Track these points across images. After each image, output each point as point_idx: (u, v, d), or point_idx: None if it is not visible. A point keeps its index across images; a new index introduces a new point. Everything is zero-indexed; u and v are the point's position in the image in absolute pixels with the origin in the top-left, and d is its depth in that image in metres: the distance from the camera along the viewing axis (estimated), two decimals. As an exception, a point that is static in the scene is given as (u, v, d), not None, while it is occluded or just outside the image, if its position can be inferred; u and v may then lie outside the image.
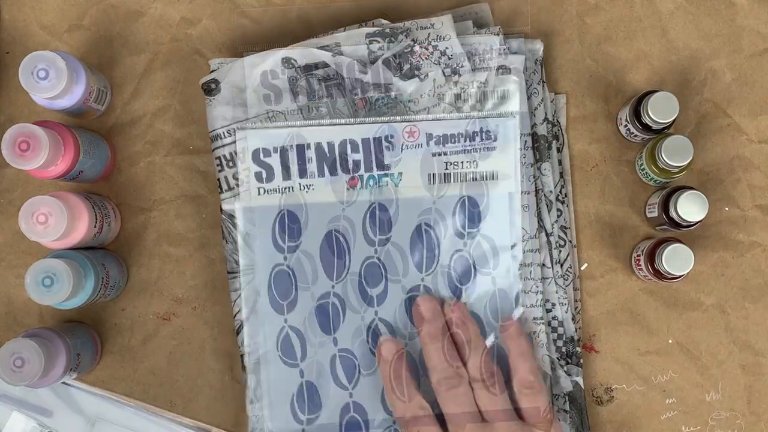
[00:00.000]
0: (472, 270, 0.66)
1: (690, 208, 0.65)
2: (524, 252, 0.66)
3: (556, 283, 0.67)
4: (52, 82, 0.61)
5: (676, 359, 0.70)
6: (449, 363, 0.62)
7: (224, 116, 0.67)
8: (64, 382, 0.69)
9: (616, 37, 0.71)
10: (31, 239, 0.61)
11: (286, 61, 0.66)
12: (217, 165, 0.67)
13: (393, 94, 0.66)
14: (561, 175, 0.69)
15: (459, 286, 0.66)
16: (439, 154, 0.66)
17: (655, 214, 0.68)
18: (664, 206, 0.66)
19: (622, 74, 0.71)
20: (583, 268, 0.70)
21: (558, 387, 0.67)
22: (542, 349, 0.67)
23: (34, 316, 0.70)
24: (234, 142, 0.67)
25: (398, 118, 0.66)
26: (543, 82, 0.69)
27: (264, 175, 0.66)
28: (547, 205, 0.68)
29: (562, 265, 0.68)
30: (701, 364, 0.70)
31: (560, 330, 0.68)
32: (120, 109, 0.71)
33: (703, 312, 0.70)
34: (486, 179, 0.66)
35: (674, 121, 0.66)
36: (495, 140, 0.66)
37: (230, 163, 0.67)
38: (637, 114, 0.66)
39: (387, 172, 0.66)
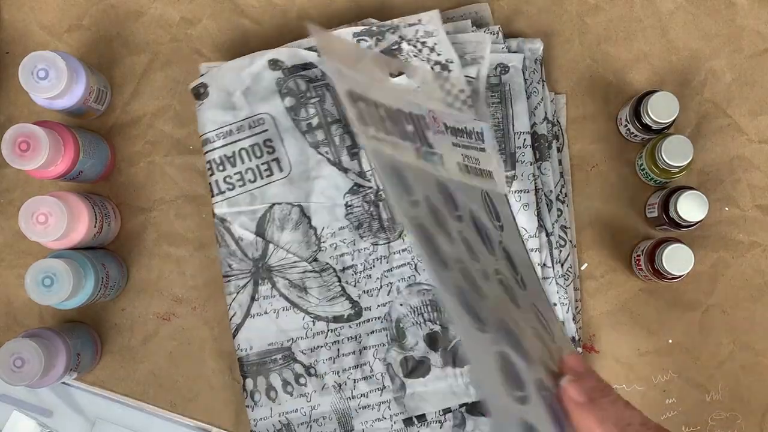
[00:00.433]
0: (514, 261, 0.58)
1: (690, 208, 0.65)
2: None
3: (557, 283, 0.67)
4: (52, 82, 0.61)
5: (676, 359, 0.69)
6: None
7: (214, 120, 0.67)
8: (64, 382, 0.69)
9: (616, 37, 0.71)
10: (31, 239, 0.61)
11: (273, 63, 0.66)
12: (208, 169, 0.67)
13: None
14: (561, 174, 0.69)
15: (515, 275, 0.57)
16: (456, 146, 0.61)
17: (655, 214, 0.68)
18: (664, 206, 0.66)
19: (622, 74, 0.71)
20: (583, 268, 0.70)
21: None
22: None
23: (34, 316, 0.70)
24: (224, 146, 0.67)
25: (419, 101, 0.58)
26: (543, 81, 0.69)
27: (364, 120, 0.53)
28: (548, 205, 0.68)
29: (562, 265, 0.68)
30: (701, 364, 0.69)
31: (561, 330, 0.67)
32: (120, 109, 0.71)
33: (703, 312, 0.70)
34: (486, 178, 0.62)
35: (674, 121, 0.66)
36: (484, 141, 0.63)
37: (221, 167, 0.67)
38: (637, 114, 0.66)
39: (434, 150, 0.58)
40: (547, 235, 0.67)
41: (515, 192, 0.66)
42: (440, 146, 0.59)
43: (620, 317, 0.70)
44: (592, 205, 0.70)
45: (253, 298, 0.67)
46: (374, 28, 0.66)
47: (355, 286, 0.67)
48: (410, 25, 0.66)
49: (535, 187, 0.67)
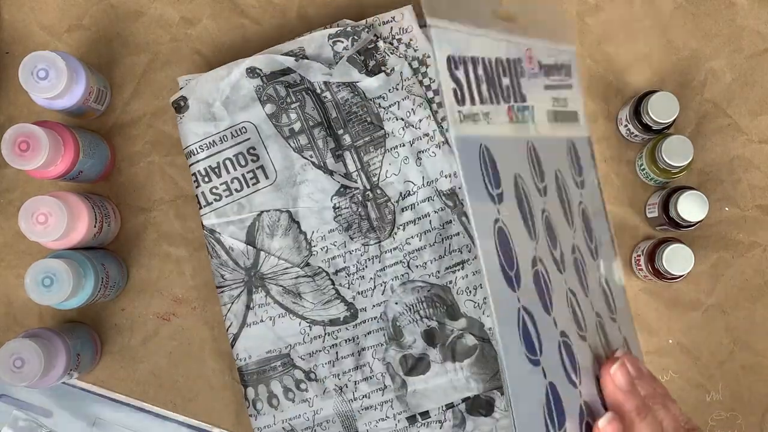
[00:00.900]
0: (592, 225, 0.55)
1: (690, 208, 0.65)
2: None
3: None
4: (52, 82, 0.61)
5: (676, 359, 0.69)
6: None
7: (195, 132, 0.67)
8: (64, 382, 0.69)
9: (616, 37, 0.71)
10: (31, 239, 0.61)
11: (251, 71, 0.66)
12: (194, 181, 0.67)
13: (361, 92, 0.66)
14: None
15: (590, 244, 0.54)
16: (549, 88, 0.55)
17: (655, 214, 0.68)
18: (664, 206, 0.66)
19: (622, 74, 0.71)
20: (583, 268, 0.70)
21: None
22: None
23: (34, 316, 0.69)
24: (208, 157, 0.66)
25: (519, 38, 0.53)
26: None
27: (459, 96, 0.47)
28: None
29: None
30: (701, 364, 0.69)
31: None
32: (120, 109, 0.71)
33: (703, 312, 0.70)
34: (572, 120, 0.56)
35: (674, 121, 0.66)
36: (571, 76, 0.56)
37: (206, 179, 0.67)
38: (637, 114, 0.66)
39: (526, 104, 0.52)
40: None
41: None
42: (532, 95, 0.53)
43: (620, 317, 0.70)
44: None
45: (248, 307, 0.67)
46: (349, 29, 0.66)
47: (348, 288, 0.67)
48: (385, 23, 0.67)
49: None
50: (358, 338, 0.67)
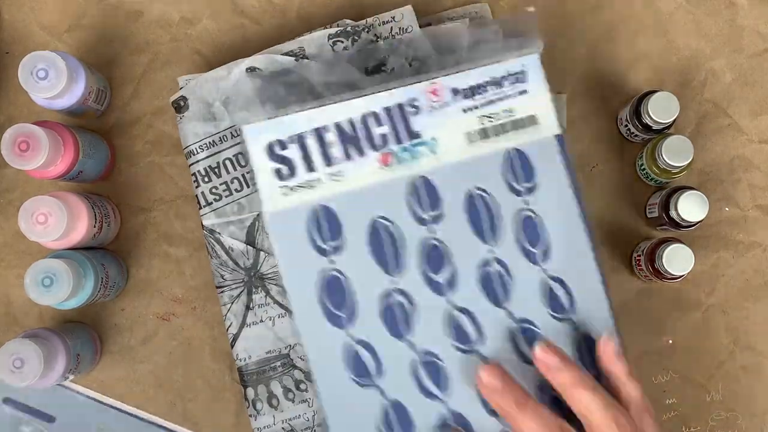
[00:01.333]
0: (541, 229, 0.59)
1: (690, 208, 0.65)
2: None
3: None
4: (52, 82, 0.61)
5: (676, 359, 0.69)
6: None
7: (195, 132, 0.67)
8: (67, 387, 0.69)
9: (616, 37, 0.71)
10: (30, 239, 0.61)
11: (251, 71, 0.66)
12: (194, 181, 0.67)
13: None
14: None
15: (532, 249, 0.58)
16: (471, 109, 0.59)
17: (655, 214, 0.68)
18: (664, 206, 0.66)
19: (622, 74, 0.71)
20: (583, 268, 0.70)
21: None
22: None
23: (33, 316, 0.69)
24: (208, 157, 0.67)
25: (414, 79, 0.59)
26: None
27: (285, 172, 0.57)
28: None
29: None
30: (701, 364, 0.69)
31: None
32: (120, 109, 0.71)
33: (703, 312, 0.70)
34: (526, 126, 0.59)
35: (674, 121, 0.66)
36: (525, 81, 0.60)
37: (206, 179, 0.67)
38: (637, 114, 0.66)
39: (420, 140, 0.58)
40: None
41: None
42: (435, 126, 0.59)
43: (620, 317, 0.69)
44: (592, 205, 0.70)
45: (248, 307, 0.67)
46: (349, 29, 0.66)
47: None
48: (385, 23, 0.67)
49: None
50: None
